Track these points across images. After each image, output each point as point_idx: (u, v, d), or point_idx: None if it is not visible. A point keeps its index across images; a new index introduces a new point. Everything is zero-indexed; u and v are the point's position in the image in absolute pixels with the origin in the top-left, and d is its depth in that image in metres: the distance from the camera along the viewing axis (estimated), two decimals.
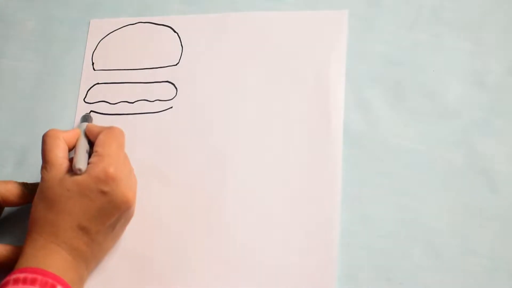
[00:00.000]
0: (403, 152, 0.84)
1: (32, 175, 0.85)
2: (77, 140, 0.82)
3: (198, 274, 0.80)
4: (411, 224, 0.80)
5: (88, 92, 0.91)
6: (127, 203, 0.78)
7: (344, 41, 0.89)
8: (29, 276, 0.73)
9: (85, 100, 0.91)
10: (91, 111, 0.90)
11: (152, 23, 0.94)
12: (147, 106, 0.89)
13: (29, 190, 0.82)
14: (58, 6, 0.96)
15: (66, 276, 0.75)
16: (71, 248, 0.76)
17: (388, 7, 0.91)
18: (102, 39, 0.94)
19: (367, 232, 0.81)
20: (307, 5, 0.92)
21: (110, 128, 0.81)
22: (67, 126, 0.89)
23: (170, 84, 0.90)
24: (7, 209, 0.84)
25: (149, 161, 0.86)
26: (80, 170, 0.77)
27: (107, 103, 0.90)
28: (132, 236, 0.82)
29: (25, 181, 0.83)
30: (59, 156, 0.79)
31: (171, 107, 0.89)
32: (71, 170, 0.78)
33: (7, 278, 0.74)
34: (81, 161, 0.78)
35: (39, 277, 0.73)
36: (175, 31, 0.93)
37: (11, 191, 0.82)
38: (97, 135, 0.80)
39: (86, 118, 0.87)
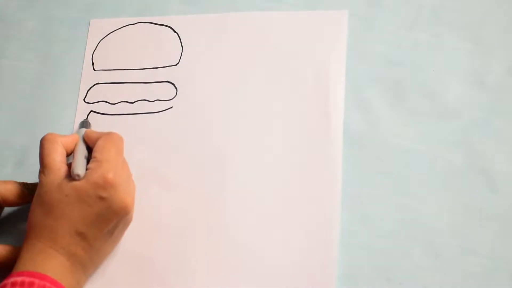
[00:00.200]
0: (403, 152, 0.84)
1: (32, 175, 0.84)
2: (75, 146, 0.81)
3: (198, 275, 0.80)
4: (411, 224, 0.80)
5: (88, 92, 0.91)
6: (126, 209, 0.78)
7: (344, 41, 0.89)
8: (27, 279, 0.73)
9: (85, 100, 0.91)
10: (91, 111, 0.90)
11: (152, 23, 0.94)
12: (147, 106, 0.89)
13: (29, 190, 0.82)
14: (58, 6, 0.96)
15: (63, 280, 0.75)
16: (69, 254, 0.76)
17: (388, 7, 0.91)
18: (102, 39, 0.94)
19: (367, 232, 0.81)
20: (307, 5, 0.92)
21: (108, 134, 0.80)
22: (67, 126, 0.89)
23: (170, 84, 0.90)
24: (7, 209, 0.84)
25: (149, 161, 0.86)
26: (78, 175, 0.77)
27: (107, 103, 0.90)
28: (132, 237, 0.82)
29: (25, 181, 0.83)
30: (57, 160, 0.79)
31: (171, 107, 0.89)
32: (69, 175, 0.77)
33: (5, 281, 0.73)
34: (79, 167, 0.78)
35: (37, 281, 0.73)
36: (175, 31, 0.93)
37: (11, 191, 0.81)
38: (95, 141, 0.80)
39: (84, 124, 0.86)
